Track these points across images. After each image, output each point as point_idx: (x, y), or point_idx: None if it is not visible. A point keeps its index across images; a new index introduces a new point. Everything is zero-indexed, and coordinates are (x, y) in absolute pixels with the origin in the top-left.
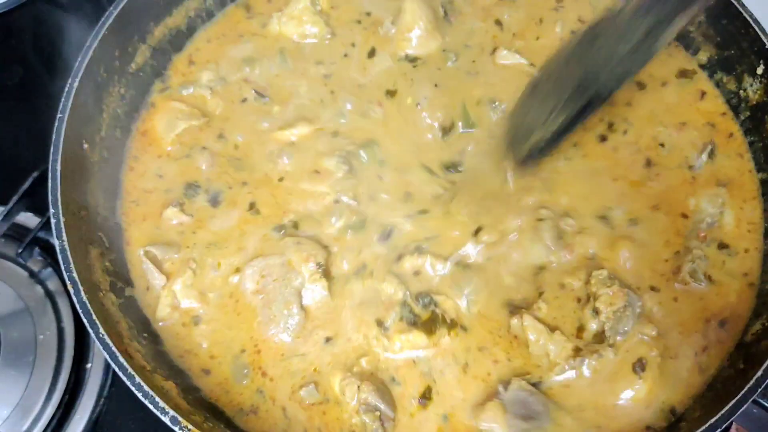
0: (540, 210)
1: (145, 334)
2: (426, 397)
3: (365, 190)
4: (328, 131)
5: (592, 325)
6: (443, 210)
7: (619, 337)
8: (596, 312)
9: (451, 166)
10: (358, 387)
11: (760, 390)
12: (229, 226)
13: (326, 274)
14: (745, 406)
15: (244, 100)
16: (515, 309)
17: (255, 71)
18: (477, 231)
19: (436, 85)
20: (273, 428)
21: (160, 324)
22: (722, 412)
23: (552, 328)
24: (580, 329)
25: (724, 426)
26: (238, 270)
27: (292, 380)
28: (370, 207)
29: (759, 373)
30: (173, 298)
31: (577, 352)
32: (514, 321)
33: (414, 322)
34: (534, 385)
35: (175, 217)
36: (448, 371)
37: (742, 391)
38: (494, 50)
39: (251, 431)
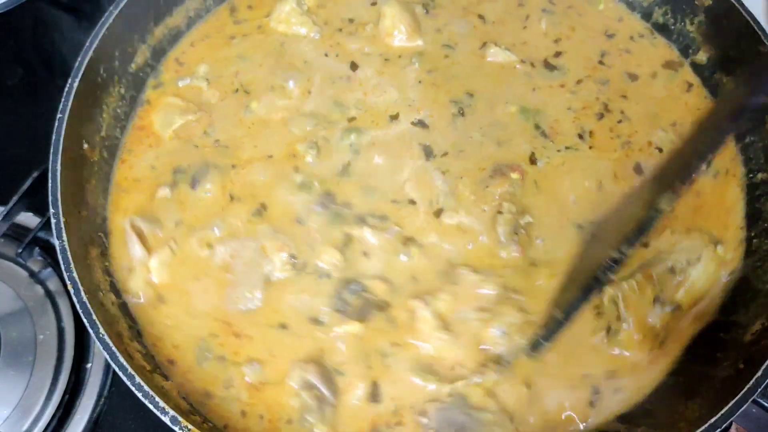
0: (504, 203)
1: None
2: (374, 394)
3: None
4: (309, 119)
5: (500, 348)
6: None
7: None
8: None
9: (431, 152)
10: (303, 369)
11: (759, 390)
12: (212, 210)
13: (296, 266)
14: (744, 406)
15: (236, 90)
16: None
17: (245, 67)
18: (438, 212)
19: (420, 82)
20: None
21: (132, 300)
22: (722, 412)
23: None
24: (480, 350)
25: (724, 426)
26: (209, 246)
27: (242, 357)
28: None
29: (759, 373)
30: (147, 273)
31: (482, 365)
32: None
33: (345, 311)
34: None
35: (164, 196)
36: (390, 360)
37: (742, 391)
38: (483, 45)
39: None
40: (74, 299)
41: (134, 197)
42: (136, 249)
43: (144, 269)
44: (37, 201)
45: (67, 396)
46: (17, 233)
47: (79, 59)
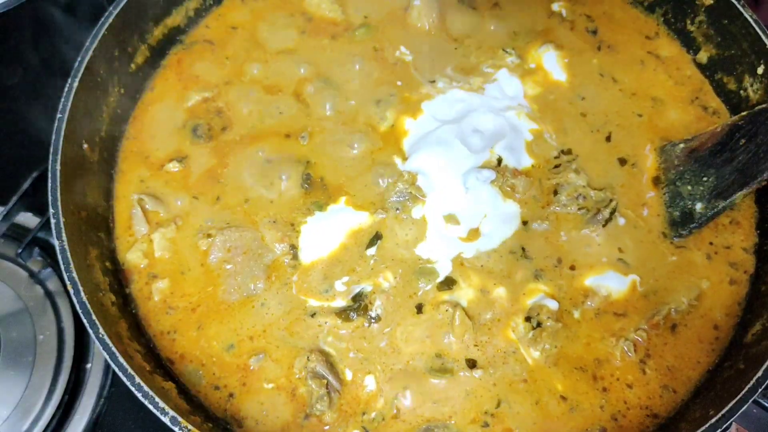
0: None
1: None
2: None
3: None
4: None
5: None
6: None
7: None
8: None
9: None
10: (308, 358)
11: (760, 390)
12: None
13: (296, 257)
14: (745, 407)
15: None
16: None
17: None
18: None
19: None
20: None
21: (125, 265)
22: (722, 412)
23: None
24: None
25: (724, 426)
26: (209, 236)
27: (245, 348)
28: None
29: (759, 374)
30: (149, 245)
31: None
32: (446, 308)
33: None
34: None
35: (173, 168)
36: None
37: (742, 392)
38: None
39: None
40: (74, 299)
41: (144, 155)
42: (141, 224)
43: (145, 240)
44: (37, 201)
45: (67, 396)
46: (17, 233)
47: (79, 59)
